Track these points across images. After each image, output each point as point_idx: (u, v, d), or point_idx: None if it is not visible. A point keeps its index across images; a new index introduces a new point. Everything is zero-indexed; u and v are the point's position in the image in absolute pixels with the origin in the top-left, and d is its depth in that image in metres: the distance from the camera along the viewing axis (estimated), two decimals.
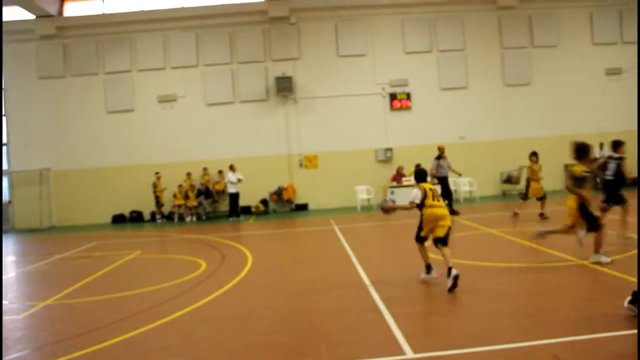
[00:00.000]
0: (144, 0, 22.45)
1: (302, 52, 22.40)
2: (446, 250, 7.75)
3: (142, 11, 22.22)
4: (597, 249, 8.54)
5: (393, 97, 22.47)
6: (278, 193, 21.70)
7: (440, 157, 17.34)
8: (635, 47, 24.17)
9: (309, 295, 7.94)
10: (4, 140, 21.95)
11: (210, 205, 21.38)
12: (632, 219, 10.66)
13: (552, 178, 23.18)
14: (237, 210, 19.83)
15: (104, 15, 22.40)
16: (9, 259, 13.80)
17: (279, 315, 6.97)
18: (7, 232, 20.65)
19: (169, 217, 21.11)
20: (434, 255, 8.34)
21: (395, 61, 22.68)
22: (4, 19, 20.19)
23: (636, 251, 8.92)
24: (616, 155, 10.54)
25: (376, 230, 15.82)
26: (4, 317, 7.28)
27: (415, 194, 8.21)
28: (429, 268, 8.22)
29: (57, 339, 6.47)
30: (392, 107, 22.50)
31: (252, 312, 7.17)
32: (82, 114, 21.94)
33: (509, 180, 22.40)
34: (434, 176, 16.80)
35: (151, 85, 22.06)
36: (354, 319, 6.53)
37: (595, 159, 11.39)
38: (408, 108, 22.56)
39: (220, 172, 20.98)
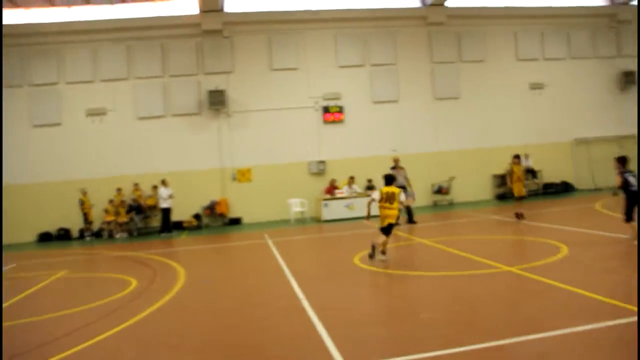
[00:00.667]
0: (71, 10, 22.21)
1: (235, 65, 22.76)
2: (382, 237, 10.97)
3: (70, 22, 21.98)
4: None
5: (326, 110, 23.15)
6: (211, 207, 21.92)
7: (394, 167, 17.98)
8: (556, 63, 25.86)
9: (242, 310, 8.15)
10: None
11: (142, 221, 21.36)
12: None
13: (479, 188, 24.49)
14: (169, 225, 19.94)
15: (28, 25, 21.95)
16: None
17: (210, 332, 7.09)
18: None
19: (98, 234, 20.96)
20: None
21: (328, 75, 23.39)
22: None
23: (555, 258, 9.76)
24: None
25: (310, 243, 16.27)
26: None
27: (374, 194, 11.36)
28: (383, 252, 11.05)
29: None
30: (325, 121, 23.17)
31: (183, 329, 7.29)
32: (5, 127, 21.42)
33: (440, 191, 23.44)
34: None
35: (79, 99, 21.87)
36: (286, 332, 6.73)
37: None
38: (341, 121, 23.28)
39: (155, 187, 21.00)
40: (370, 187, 21.70)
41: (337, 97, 23.40)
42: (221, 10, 22.39)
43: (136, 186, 21.44)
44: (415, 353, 5.55)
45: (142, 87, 22.12)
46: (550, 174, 25.08)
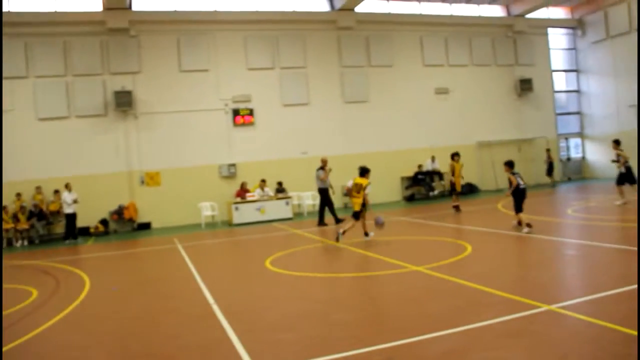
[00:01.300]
0: None
1: (142, 65, 22.51)
2: (350, 221, 13.66)
3: None
4: None
5: (236, 112, 23.39)
6: (119, 212, 21.59)
7: (322, 168, 18.51)
8: (460, 69, 27.34)
9: (151, 318, 8.09)
10: None
11: (44, 227, 20.67)
12: None
13: (389, 190, 25.45)
14: (74, 231, 19.50)
15: None
16: None
17: (117, 342, 6.98)
18: None
19: None
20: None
21: (238, 77, 23.64)
22: None
23: (461, 257, 10.50)
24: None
25: (221, 247, 16.37)
26: None
27: (348, 183, 14.57)
28: (366, 234, 13.75)
29: None
30: (235, 123, 23.41)
31: (87, 340, 7.12)
32: None
33: (349, 193, 24.08)
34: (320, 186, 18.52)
35: None
36: (197, 339, 6.68)
37: None
38: (251, 124, 23.58)
39: (57, 191, 20.41)
40: (280, 190, 22.10)
41: (247, 100, 23.66)
42: (128, 8, 22.08)
43: (38, 190, 20.70)
44: (326, 354, 5.69)
45: (43, 87, 21.36)
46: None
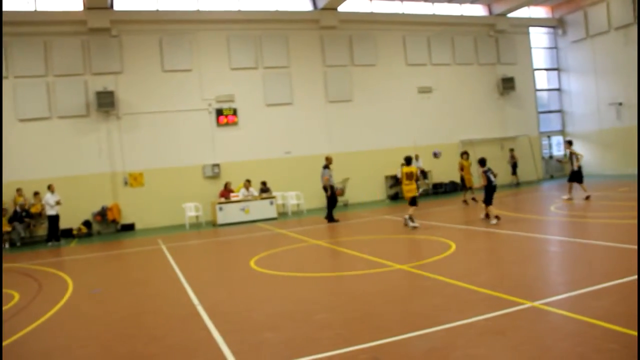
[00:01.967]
0: None
1: (124, 66, 22.37)
2: (411, 208, 15.06)
3: None
4: None
5: (219, 112, 23.33)
6: (102, 213, 21.44)
7: (327, 166, 18.65)
8: (442, 68, 27.52)
9: (134, 319, 8.07)
10: None
11: (26, 229, 20.44)
12: None
13: (373, 189, 25.53)
14: (56, 233, 19.33)
15: None
16: None
17: (101, 344, 6.94)
18: None
19: None
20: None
21: (221, 77, 23.60)
22: None
23: (444, 255, 10.56)
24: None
25: (205, 248, 16.34)
26: None
27: (397, 172, 16.85)
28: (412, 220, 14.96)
29: None
30: (218, 123, 23.36)
31: (71, 343, 7.09)
32: None
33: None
34: (329, 185, 18.66)
35: None
36: (181, 340, 6.69)
37: None
38: (235, 124, 23.53)
39: (37, 193, 20.21)
40: (264, 190, 22.08)
41: (230, 100, 23.61)
42: (109, 7, 21.93)
43: (19, 192, 20.48)
44: (311, 354, 5.72)
45: (23, 87, 21.12)
46: (439, 175, 26.67)
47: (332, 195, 18.78)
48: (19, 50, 21.13)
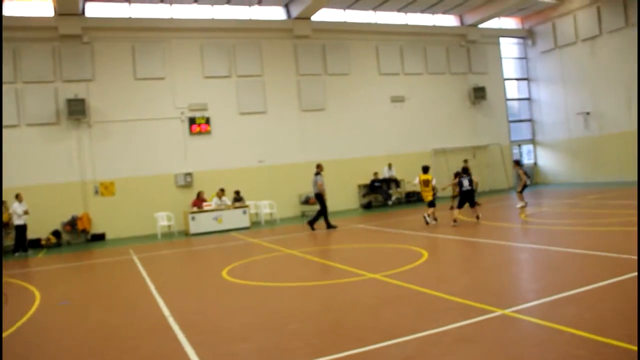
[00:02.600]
0: None
1: (96, 73, 22.13)
2: (430, 209, 16.92)
3: None
4: None
5: (192, 121, 23.20)
6: (72, 223, 21.10)
7: (318, 173, 18.57)
8: (415, 77, 27.77)
9: (105, 331, 7.87)
10: None
11: None
12: None
13: (347, 198, 25.55)
14: (24, 244, 18.95)
15: None
16: None
17: (70, 358, 6.78)
18: None
19: None
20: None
21: (194, 85, 23.48)
22: None
23: (417, 263, 10.59)
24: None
25: (177, 258, 16.13)
26: None
27: (415, 180, 17.85)
28: (434, 219, 16.94)
29: None
30: (191, 132, 23.22)
31: (38, 357, 6.91)
32: None
33: (307, 201, 24.20)
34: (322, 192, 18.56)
35: None
36: (151, 352, 6.61)
37: None
38: (208, 132, 23.41)
39: (4, 202, 19.80)
40: (237, 199, 21.96)
41: (203, 108, 23.50)
42: (80, 14, 21.68)
43: None
44: None
45: None
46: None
47: (323, 202, 18.65)
48: None
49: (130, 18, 22.71)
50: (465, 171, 17.03)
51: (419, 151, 27.26)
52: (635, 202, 16.21)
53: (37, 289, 11.82)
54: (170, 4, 23.29)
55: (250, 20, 24.56)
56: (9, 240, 19.95)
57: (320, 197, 18.60)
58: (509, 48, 31.59)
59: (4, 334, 7.99)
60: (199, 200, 21.54)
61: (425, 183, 17.14)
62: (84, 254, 18.35)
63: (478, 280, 9.19)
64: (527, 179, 18.98)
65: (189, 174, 22.94)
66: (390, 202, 25.91)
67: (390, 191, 26.29)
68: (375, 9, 26.93)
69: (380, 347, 5.96)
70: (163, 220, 21.39)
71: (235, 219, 21.23)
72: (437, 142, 28.16)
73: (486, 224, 15.97)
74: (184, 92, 23.25)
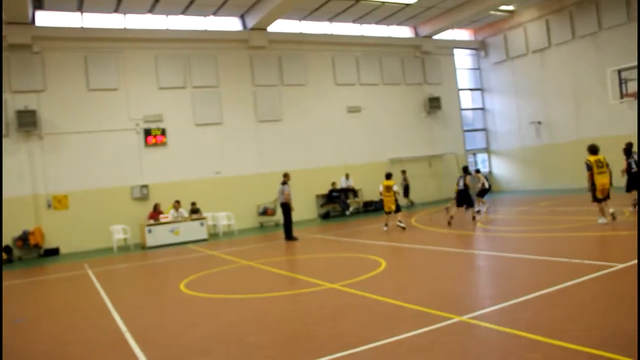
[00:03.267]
0: None
1: (47, 84, 21.69)
2: (398, 214, 17.78)
3: None
4: None
5: (148, 132, 22.96)
6: (23, 238, 20.57)
7: (285, 182, 18.47)
8: (371, 88, 28.10)
9: (60, 350, 7.73)
10: None
11: None
12: None
13: (304, 208, 25.56)
14: None
15: None
16: None
17: None
18: None
19: None
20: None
21: (149, 96, 23.29)
22: None
23: (375, 272, 10.67)
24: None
25: (133, 271, 16.00)
26: None
27: (380, 187, 18.38)
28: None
29: None
30: (146, 143, 22.98)
31: None
32: None
33: (265, 212, 24.14)
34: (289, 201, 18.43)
35: None
36: None
37: None
38: (163, 144, 23.20)
39: None
40: (194, 211, 21.75)
41: (159, 120, 23.30)
42: (30, 23, 21.23)
43: None
44: None
45: None
46: (370, 193, 26.99)
47: (288, 212, 18.51)
48: None
49: (82, 28, 22.38)
50: (465, 170, 18.53)
51: (376, 161, 27.55)
52: (584, 209, 16.70)
53: None
54: (124, 14, 23.07)
55: (206, 31, 24.50)
56: None
57: (286, 207, 18.51)
58: (463, 59, 32.31)
59: None
60: (156, 213, 21.28)
61: (387, 189, 17.89)
62: (37, 269, 17.98)
63: (435, 287, 9.37)
64: (486, 182, 20.12)
65: (145, 186, 22.66)
66: (348, 212, 26.06)
67: (348, 201, 26.45)
68: (330, 20, 27.19)
69: (338, 356, 6.02)
70: (119, 233, 21.08)
71: (193, 231, 21.05)
72: (393, 152, 28.53)
73: (442, 231, 16.24)
74: (139, 103, 23.01)
